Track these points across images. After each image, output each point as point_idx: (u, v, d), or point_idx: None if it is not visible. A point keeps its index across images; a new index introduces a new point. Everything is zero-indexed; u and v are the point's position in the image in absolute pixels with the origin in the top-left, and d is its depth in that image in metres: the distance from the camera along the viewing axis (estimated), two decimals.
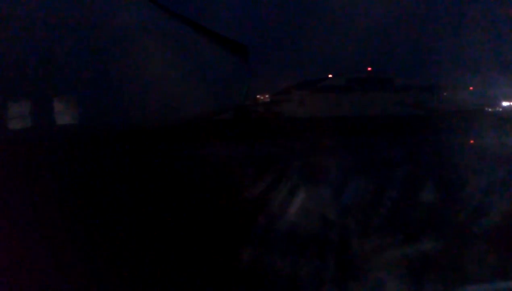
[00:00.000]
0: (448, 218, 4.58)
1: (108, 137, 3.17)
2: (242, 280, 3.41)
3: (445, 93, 24.31)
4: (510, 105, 21.88)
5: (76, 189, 3.04)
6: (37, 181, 2.79)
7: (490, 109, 21.36)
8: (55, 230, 2.92)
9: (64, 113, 2.83)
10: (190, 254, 3.46)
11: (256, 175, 5.83)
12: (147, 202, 3.74)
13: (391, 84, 23.54)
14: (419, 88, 23.84)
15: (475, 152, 9.16)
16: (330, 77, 23.38)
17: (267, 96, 23.07)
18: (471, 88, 23.32)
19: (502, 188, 5.44)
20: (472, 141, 11.04)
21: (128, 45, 3.13)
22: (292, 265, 3.53)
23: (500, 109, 21.51)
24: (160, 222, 3.68)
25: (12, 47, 2.58)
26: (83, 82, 2.96)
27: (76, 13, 2.87)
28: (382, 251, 3.79)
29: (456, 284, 3.47)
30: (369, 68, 23.76)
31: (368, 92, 22.58)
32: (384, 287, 3.33)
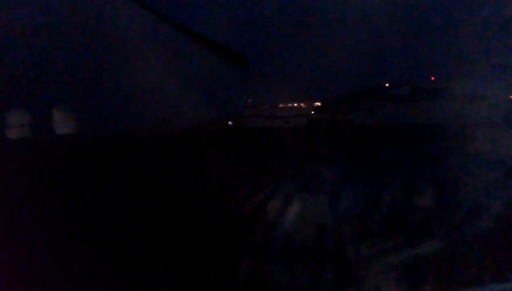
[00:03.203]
0: None
1: (103, 148, 3.10)
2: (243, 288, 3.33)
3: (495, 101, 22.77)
4: None
5: (75, 198, 2.81)
6: (36, 189, 2.60)
7: None
8: (55, 239, 2.77)
9: (62, 122, 2.80)
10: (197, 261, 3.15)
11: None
12: (149, 212, 3.36)
13: (453, 93, 22.65)
14: (478, 97, 22.61)
15: None
16: (395, 86, 23.06)
17: (302, 104, 22.91)
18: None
19: None
20: None
21: (124, 53, 3.13)
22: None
23: None
24: (165, 232, 3.38)
25: (9, 54, 2.56)
26: (79, 91, 2.91)
27: (72, 20, 2.85)
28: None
29: (454, 288, 3.41)
30: (432, 78, 23.04)
31: (434, 101, 21.99)
32: None
